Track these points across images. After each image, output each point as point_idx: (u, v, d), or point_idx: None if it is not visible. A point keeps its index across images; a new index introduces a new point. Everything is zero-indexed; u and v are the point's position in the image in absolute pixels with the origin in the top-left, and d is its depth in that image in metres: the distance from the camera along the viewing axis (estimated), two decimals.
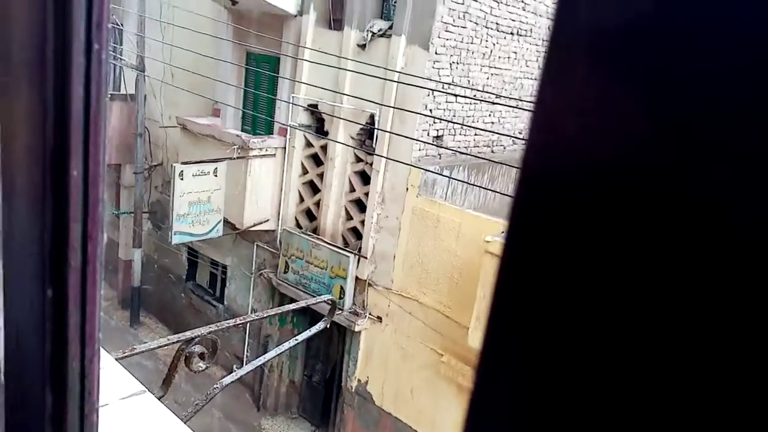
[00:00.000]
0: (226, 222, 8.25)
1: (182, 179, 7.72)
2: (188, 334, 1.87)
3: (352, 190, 7.67)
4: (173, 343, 1.84)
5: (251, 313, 8.89)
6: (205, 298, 9.57)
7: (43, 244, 0.64)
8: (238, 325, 8.19)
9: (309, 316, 8.22)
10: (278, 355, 8.51)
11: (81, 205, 0.64)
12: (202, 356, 1.95)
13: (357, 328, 7.62)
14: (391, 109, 6.86)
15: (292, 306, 2.75)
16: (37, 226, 0.64)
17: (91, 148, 0.63)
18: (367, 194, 7.45)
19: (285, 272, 8.17)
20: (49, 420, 0.68)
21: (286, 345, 2.41)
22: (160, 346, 1.88)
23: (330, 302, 2.40)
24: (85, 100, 0.60)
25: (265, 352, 8.62)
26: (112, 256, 11.17)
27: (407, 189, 7.10)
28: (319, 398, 8.38)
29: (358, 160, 7.58)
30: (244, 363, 8.93)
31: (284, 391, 8.66)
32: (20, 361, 0.74)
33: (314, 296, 7.74)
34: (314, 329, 2.32)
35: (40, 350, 0.68)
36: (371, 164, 7.35)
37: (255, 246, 8.70)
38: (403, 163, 6.72)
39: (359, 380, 7.79)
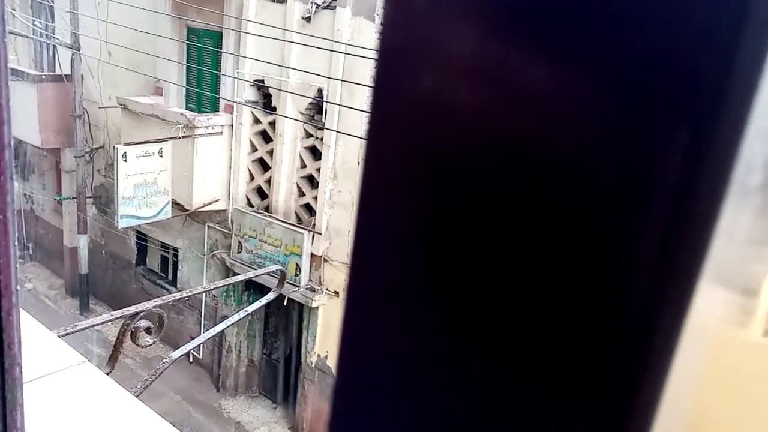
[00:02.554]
0: (174, 203, 8.05)
1: (126, 161, 7.48)
2: (132, 308, 1.84)
3: (304, 166, 7.60)
4: (117, 318, 1.80)
5: (206, 294, 8.77)
6: (158, 282, 9.37)
7: None
8: (183, 298, 7.98)
9: (263, 294, 8.16)
10: (229, 326, 8.44)
11: None
12: (148, 331, 1.92)
13: (314, 304, 7.62)
14: (340, 82, 6.79)
15: (239, 278, 2.72)
16: None
17: None
18: (318, 170, 7.39)
19: (238, 252, 8.07)
20: None
21: (236, 317, 2.39)
22: (103, 322, 1.84)
23: (278, 273, 2.38)
24: None
25: (222, 333, 8.55)
26: (56, 244, 10.77)
27: (359, 163, 7.08)
28: (279, 376, 8.38)
29: (308, 135, 7.50)
30: (201, 345, 8.84)
31: (243, 371, 8.62)
32: None
33: (272, 276, 7.70)
34: (264, 300, 2.31)
35: None
36: (322, 139, 7.28)
37: (206, 227, 8.54)
38: (353, 136, 6.69)
39: (319, 355, 7.82)
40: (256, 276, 2.53)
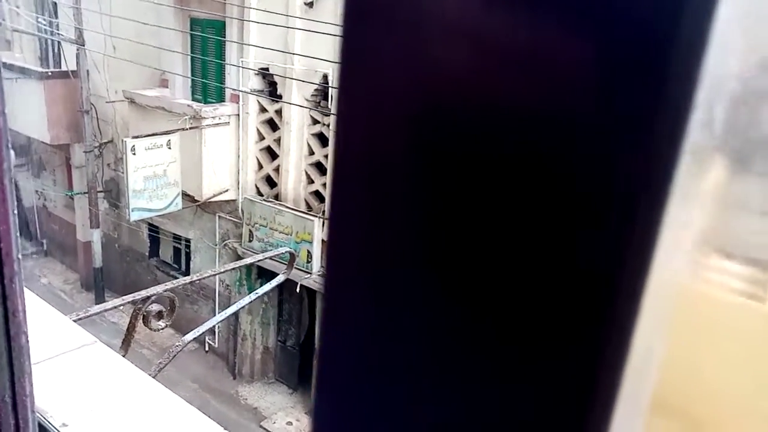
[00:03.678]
0: (185, 195, 8.10)
1: (135, 154, 7.52)
2: (143, 293, 1.86)
3: (311, 153, 7.60)
4: (129, 302, 1.83)
5: (219, 284, 8.84)
6: (171, 273, 9.45)
7: None
8: (197, 288, 7.98)
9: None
10: (243, 313, 8.51)
11: None
12: (160, 315, 1.94)
13: None
14: None
15: (249, 260, 2.74)
16: None
17: None
18: (326, 156, 7.39)
19: (249, 241, 8.11)
20: None
21: (247, 299, 2.41)
22: (114, 307, 1.86)
23: (288, 255, 2.40)
24: None
25: (237, 320, 8.62)
26: (70, 239, 10.88)
27: None
28: (294, 362, 8.46)
29: (315, 122, 7.49)
30: (216, 334, 8.93)
31: (259, 358, 8.70)
32: None
33: (282, 263, 7.73)
34: (274, 282, 2.32)
35: None
36: (328, 125, 7.27)
37: (217, 217, 8.59)
38: None
39: None
40: (266, 259, 2.55)
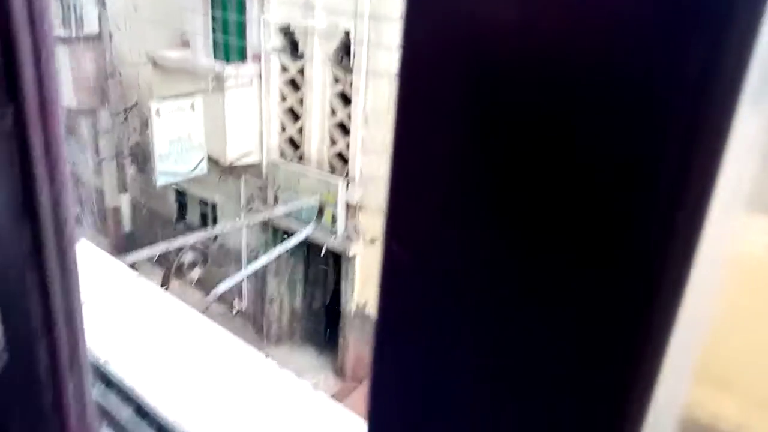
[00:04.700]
0: (209, 158, 8.11)
1: (159, 117, 7.52)
2: (177, 243, 1.83)
3: (334, 113, 7.51)
4: (163, 251, 1.80)
5: (245, 248, 8.91)
6: (196, 247, 9.55)
7: None
8: (224, 249, 7.83)
9: (303, 245, 8.25)
10: (268, 273, 8.59)
11: None
12: (193, 265, 1.93)
13: (351, 253, 7.67)
14: (367, 23, 6.61)
15: (279, 210, 2.71)
16: None
17: None
18: (349, 116, 7.30)
19: (274, 204, 8.12)
20: (28, 257, 0.64)
21: (277, 251, 2.39)
22: (149, 256, 1.84)
23: (316, 205, 2.35)
24: None
25: (264, 283, 8.72)
26: (99, 205, 11.04)
27: (390, 107, 6.95)
28: (320, 324, 8.55)
29: (337, 80, 7.38)
30: (244, 296, 9.05)
31: (286, 320, 8.81)
32: None
33: (306, 224, 7.74)
34: (303, 234, 2.29)
35: (9, 185, 0.63)
36: (351, 84, 7.16)
37: (242, 181, 8.60)
38: (384, 77, 6.55)
39: (358, 304, 7.92)
40: (293, 218, 2.52)
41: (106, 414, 0.86)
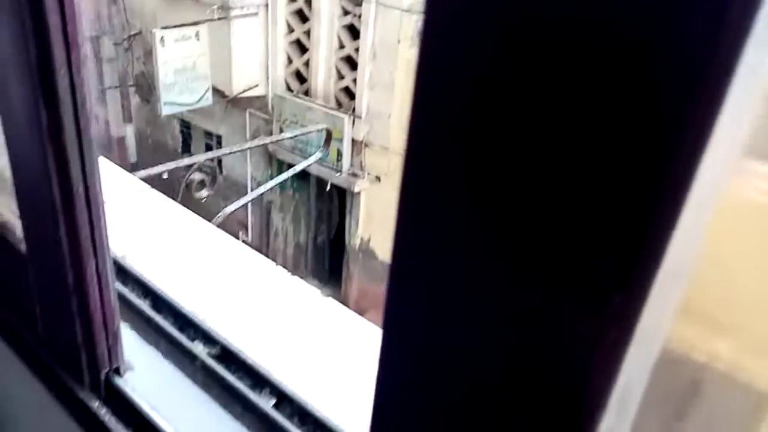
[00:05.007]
0: (214, 90, 8.00)
1: (164, 46, 7.38)
2: (186, 161, 1.85)
3: (342, 46, 7.35)
4: (172, 168, 1.82)
5: (251, 181, 8.93)
6: (204, 169, 9.56)
7: None
8: (234, 152, 7.63)
9: (308, 181, 8.26)
10: (273, 207, 8.66)
11: None
12: (202, 184, 1.94)
13: (356, 189, 7.68)
14: None
15: (284, 136, 2.71)
16: None
17: None
18: (357, 50, 7.15)
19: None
20: (47, 135, 0.65)
21: (283, 176, 2.40)
22: (158, 173, 1.86)
23: (324, 132, 2.35)
24: None
25: (269, 217, 8.80)
26: (104, 134, 10.99)
27: (399, 41, 6.79)
28: (324, 258, 8.67)
29: (346, 12, 7.18)
30: (249, 229, 9.15)
31: (291, 254, 8.93)
32: (5, 77, 0.70)
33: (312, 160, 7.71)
34: (311, 159, 2.30)
35: (25, 62, 0.64)
36: (359, 17, 6.97)
37: (247, 114, 8.52)
38: (392, 8, 6.37)
39: (362, 238, 8.00)
40: (301, 134, 2.51)
41: (123, 303, 0.90)
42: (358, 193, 7.74)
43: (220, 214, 2.03)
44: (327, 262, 8.63)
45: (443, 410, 0.37)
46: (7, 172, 0.81)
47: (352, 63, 7.33)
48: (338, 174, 7.65)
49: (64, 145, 0.67)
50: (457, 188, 0.32)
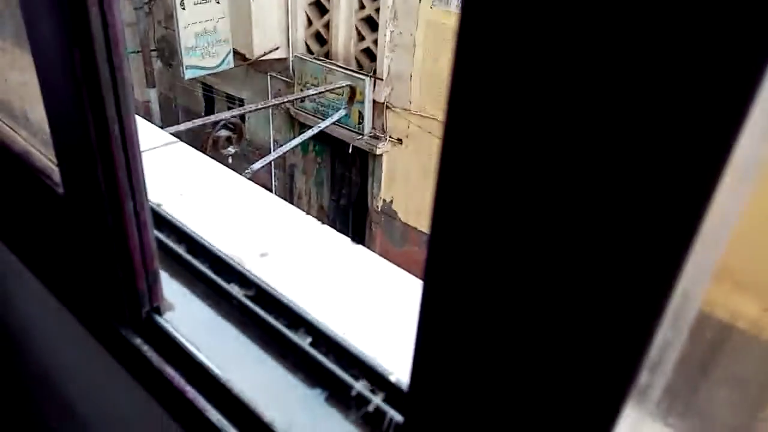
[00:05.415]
0: (236, 53, 7.97)
1: (184, 8, 7.34)
2: (212, 117, 1.85)
3: (362, 7, 7.23)
4: (200, 125, 1.83)
5: (273, 143, 8.95)
6: (229, 126, 9.59)
7: None
8: (259, 109, 7.63)
9: (330, 144, 8.24)
10: (296, 170, 8.68)
11: None
12: (229, 140, 1.95)
13: (378, 151, 7.66)
14: None
15: (310, 93, 2.69)
16: None
17: None
18: (377, 10, 7.02)
19: (301, 101, 8.04)
20: (81, 75, 0.66)
21: (309, 133, 2.39)
22: (187, 128, 1.87)
23: (348, 89, 2.33)
24: None
25: (292, 181, 8.84)
26: None
27: (420, 1, 6.65)
28: (347, 220, 8.72)
29: None
30: (273, 192, 9.20)
31: (314, 216, 8.98)
32: (37, 18, 0.70)
33: (340, 126, 7.68)
34: (335, 116, 2.28)
35: (60, 8, 0.64)
36: None
37: (269, 77, 8.49)
38: None
39: (384, 200, 8.02)
40: (326, 92, 2.48)
41: (161, 249, 0.91)
42: (380, 156, 7.72)
43: (247, 170, 2.04)
44: (350, 224, 8.68)
45: (481, 360, 0.37)
46: (43, 121, 0.82)
47: (372, 24, 7.22)
48: (360, 137, 7.62)
49: (98, 84, 0.67)
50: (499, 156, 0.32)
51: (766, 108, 0.24)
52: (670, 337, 0.32)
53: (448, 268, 0.38)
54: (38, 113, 0.86)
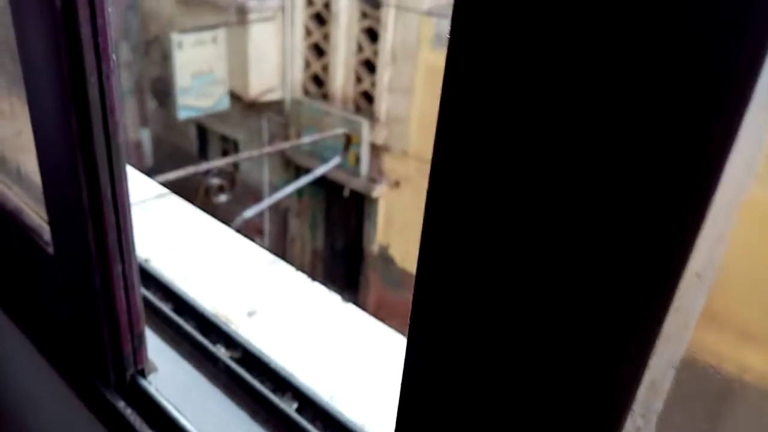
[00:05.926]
0: (231, 94, 8.07)
1: (181, 49, 7.47)
2: (204, 166, 1.86)
3: (361, 50, 7.37)
4: (192, 174, 1.83)
5: (268, 186, 8.98)
6: (221, 174, 9.64)
7: None
8: (253, 157, 7.65)
9: (325, 186, 8.28)
10: (290, 214, 8.69)
11: None
12: (221, 188, 1.96)
13: (375, 194, 7.68)
14: None
15: (307, 140, 2.71)
16: None
17: None
18: (376, 53, 7.17)
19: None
20: (77, 141, 0.66)
21: (302, 181, 2.40)
22: (178, 177, 1.88)
23: (343, 137, 2.35)
24: None
25: (286, 223, 8.83)
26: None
27: (419, 44, 6.80)
28: (342, 264, 8.68)
29: (364, 16, 7.21)
30: (266, 235, 9.19)
31: (308, 260, 8.96)
32: (38, 85, 0.71)
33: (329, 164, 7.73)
34: (330, 164, 2.30)
35: (57, 70, 0.65)
36: (379, 20, 6.99)
37: (264, 118, 8.58)
38: (412, 11, 6.38)
39: (381, 245, 7.99)
40: (321, 138, 2.51)
41: (147, 306, 0.91)
42: (377, 199, 7.74)
43: (239, 218, 2.04)
44: (345, 269, 8.64)
45: (467, 414, 0.37)
46: (36, 178, 0.83)
47: (370, 66, 7.35)
48: (356, 179, 7.66)
49: (93, 150, 0.68)
50: (485, 195, 0.32)
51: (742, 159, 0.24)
52: (659, 377, 0.32)
53: (433, 326, 0.38)
54: (31, 166, 0.86)
